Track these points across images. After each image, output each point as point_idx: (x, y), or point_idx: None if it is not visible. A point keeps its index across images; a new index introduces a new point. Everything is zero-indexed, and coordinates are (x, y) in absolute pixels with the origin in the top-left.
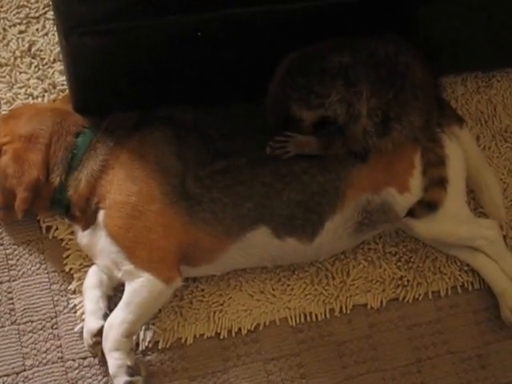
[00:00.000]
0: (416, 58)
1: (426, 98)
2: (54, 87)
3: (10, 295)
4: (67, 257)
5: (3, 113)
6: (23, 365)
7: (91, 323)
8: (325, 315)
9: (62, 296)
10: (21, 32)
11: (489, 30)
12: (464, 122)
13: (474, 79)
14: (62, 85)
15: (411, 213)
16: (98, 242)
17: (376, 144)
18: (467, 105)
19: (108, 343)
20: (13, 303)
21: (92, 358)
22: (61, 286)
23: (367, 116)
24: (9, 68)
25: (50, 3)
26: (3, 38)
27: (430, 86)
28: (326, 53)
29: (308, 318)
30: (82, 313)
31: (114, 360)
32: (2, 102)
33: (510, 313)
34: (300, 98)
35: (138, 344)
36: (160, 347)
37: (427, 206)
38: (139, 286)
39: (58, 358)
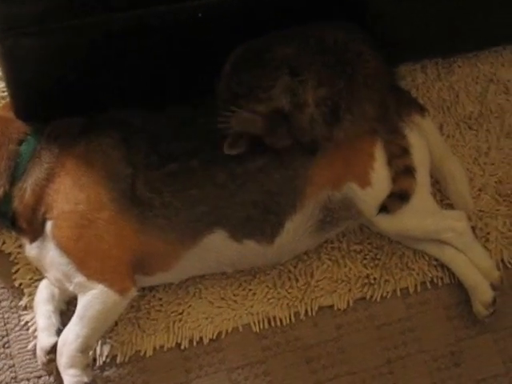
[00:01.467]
0: (368, 45)
1: (380, 87)
2: None
3: None
4: (16, 271)
5: None
6: None
7: (44, 340)
8: (290, 319)
9: (12, 313)
10: None
11: (446, 14)
12: (426, 111)
13: (434, 66)
14: (3, 91)
15: (384, 209)
16: (47, 254)
17: (325, 134)
18: (428, 93)
19: (63, 360)
20: None
21: (47, 377)
22: (11, 302)
23: (315, 105)
24: None
25: None
26: None
27: (384, 74)
28: (270, 44)
29: (272, 323)
30: (35, 329)
31: (70, 377)
32: None
33: (482, 307)
34: (247, 94)
35: (94, 359)
36: (118, 361)
37: (399, 198)
38: (92, 299)
39: (12, 379)
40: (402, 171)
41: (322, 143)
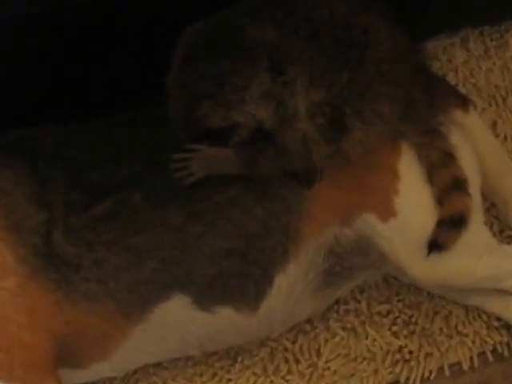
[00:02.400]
0: (379, 17)
1: (401, 75)
2: None
3: None
4: None
5: None
6: None
7: None
8: None
9: None
10: None
11: None
12: (470, 104)
13: (479, 38)
14: None
15: (435, 245)
16: None
17: (326, 155)
18: (473, 77)
19: None
20: None
21: None
22: None
23: (308, 116)
24: None
25: None
26: None
27: (406, 56)
28: (238, 23)
29: None
30: None
31: None
32: None
33: None
34: (211, 93)
35: None
36: None
37: (452, 225)
38: None
39: None
40: (450, 186)
41: (321, 170)
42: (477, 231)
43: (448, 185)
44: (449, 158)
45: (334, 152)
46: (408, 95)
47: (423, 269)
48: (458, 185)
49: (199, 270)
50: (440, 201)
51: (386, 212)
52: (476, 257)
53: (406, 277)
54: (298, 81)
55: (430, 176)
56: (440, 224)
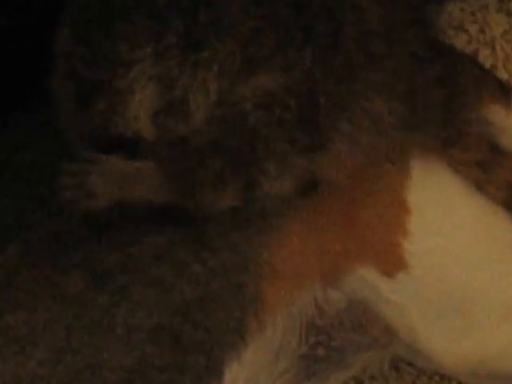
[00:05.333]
0: None
1: (401, 56)
2: None
3: None
4: None
5: None
6: None
7: None
8: None
9: None
10: None
11: None
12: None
13: None
14: None
15: None
16: None
17: (300, 174)
18: None
19: None
20: None
21: None
22: None
23: (256, 108)
24: None
25: None
26: None
27: (409, 27)
28: None
29: None
30: None
31: None
32: None
33: None
34: (106, 82)
35: None
36: None
37: None
38: None
39: None
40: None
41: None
42: None
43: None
44: (500, 154)
45: (308, 170)
46: (415, 87)
47: (452, 348)
48: None
49: (108, 362)
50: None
51: (392, 263)
52: None
53: (426, 361)
54: (228, 60)
55: (481, 190)
56: None
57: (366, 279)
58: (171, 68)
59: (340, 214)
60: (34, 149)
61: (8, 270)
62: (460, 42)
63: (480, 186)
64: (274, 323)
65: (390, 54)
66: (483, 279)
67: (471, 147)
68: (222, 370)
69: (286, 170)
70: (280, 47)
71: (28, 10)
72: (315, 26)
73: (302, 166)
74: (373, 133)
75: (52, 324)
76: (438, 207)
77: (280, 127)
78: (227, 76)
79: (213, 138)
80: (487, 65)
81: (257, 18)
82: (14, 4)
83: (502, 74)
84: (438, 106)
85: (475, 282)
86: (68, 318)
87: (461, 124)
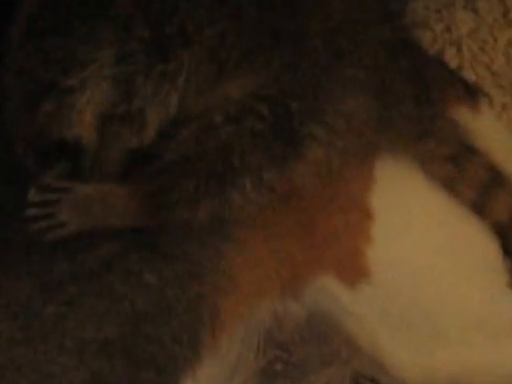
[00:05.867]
0: None
1: (366, 55)
2: None
3: None
4: None
5: None
6: None
7: None
8: None
9: None
10: None
11: None
12: (482, 98)
13: None
14: None
15: None
16: None
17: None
18: (486, 55)
19: None
20: None
21: None
22: None
23: (228, 121)
24: None
25: None
26: None
27: (373, 24)
28: None
29: None
30: None
31: None
32: None
33: None
34: (55, 82)
35: None
36: None
37: None
38: None
39: None
40: (486, 184)
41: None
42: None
43: (483, 183)
44: (469, 151)
45: (284, 181)
46: (383, 86)
47: (417, 363)
48: (497, 179)
49: (57, 378)
50: (481, 211)
51: (354, 272)
52: (495, 337)
53: (390, 377)
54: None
55: (452, 190)
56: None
57: (327, 290)
58: (134, 74)
59: (300, 221)
60: None
61: None
62: (425, 40)
63: (451, 185)
64: (230, 337)
65: (357, 50)
66: (450, 290)
67: (442, 142)
68: None
69: (263, 184)
70: (247, 52)
71: None
72: (280, 27)
73: (279, 177)
74: (347, 134)
75: None
76: (403, 213)
77: (253, 139)
78: (194, 88)
79: (186, 155)
80: (453, 65)
81: (223, 22)
82: None
83: (469, 75)
84: (408, 100)
85: (441, 293)
86: (12, 330)
87: (430, 120)
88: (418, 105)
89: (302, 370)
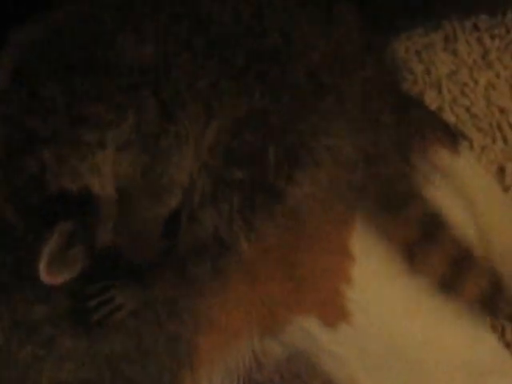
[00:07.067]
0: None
1: (349, 84)
2: None
3: None
4: None
5: None
6: None
7: None
8: None
9: None
10: None
11: None
12: (461, 140)
13: (472, 34)
14: None
15: None
16: None
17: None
18: (466, 96)
19: None
20: None
21: None
22: None
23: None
24: None
25: None
26: None
27: (357, 54)
28: (103, 27)
29: None
30: None
31: None
32: None
33: None
34: (56, 133)
35: None
36: None
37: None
38: None
39: None
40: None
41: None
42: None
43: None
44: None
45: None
46: (372, 115)
47: None
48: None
49: None
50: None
51: (334, 313)
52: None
53: None
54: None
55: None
56: None
57: (307, 330)
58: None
59: (280, 262)
60: None
61: None
62: (404, 81)
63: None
64: (209, 377)
65: (341, 83)
66: (431, 331)
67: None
68: None
69: (250, 233)
70: (235, 94)
71: None
72: (265, 72)
73: (264, 224)
74: (335, 171)
75: None
76: (383, 255)
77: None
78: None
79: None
80: (433, 107)
81: (213, 71)
82: None
83: (449, 117)
84: (386, 148)
85: (422, 334)
86: None
87: (404, 167)
88: (399, 149)
89: None
